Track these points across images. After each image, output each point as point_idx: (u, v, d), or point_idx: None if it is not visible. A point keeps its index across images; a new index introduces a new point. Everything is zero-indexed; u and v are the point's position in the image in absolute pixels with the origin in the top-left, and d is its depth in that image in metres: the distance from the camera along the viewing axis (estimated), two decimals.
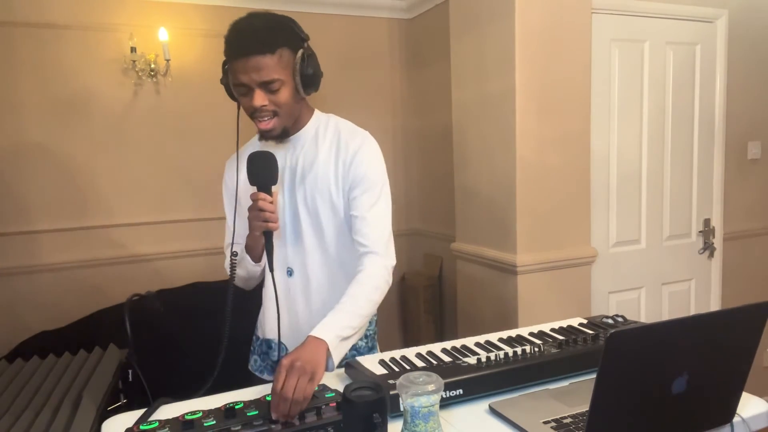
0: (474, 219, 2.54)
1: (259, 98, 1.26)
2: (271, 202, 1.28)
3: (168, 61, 2.95)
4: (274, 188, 1.30)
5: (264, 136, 1.35)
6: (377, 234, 1.35)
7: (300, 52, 1.29)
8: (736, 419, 1.05)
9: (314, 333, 1.15)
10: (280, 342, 1.39)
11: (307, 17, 3.31)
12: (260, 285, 1.52)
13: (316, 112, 1.45)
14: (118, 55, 2.96)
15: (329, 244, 1.40)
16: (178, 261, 3.10)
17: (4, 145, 2.82)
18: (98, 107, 2.95)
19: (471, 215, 2.56)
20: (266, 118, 1.29)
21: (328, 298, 1.39)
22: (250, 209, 1.29)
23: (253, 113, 1.29)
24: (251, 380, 1.47)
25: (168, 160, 3.08)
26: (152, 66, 2.97)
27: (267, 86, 1.26)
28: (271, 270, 1.31)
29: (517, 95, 2.18)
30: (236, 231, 1.43)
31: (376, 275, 1.31)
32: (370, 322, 1.51)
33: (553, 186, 2.29)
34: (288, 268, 1.43)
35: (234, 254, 1.35)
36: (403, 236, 3.77)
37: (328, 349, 1.14)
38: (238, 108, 1.35)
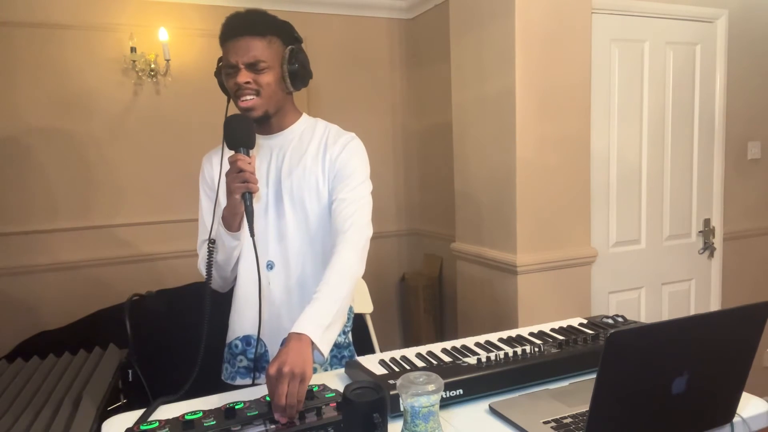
0: (474, 219, 2.54)
1: (244, 75, 1.31)
2: (250, 163, 1.29)
3: (168, 61, 2.95)
4: (252, 152, 1.32)
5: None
6: (352, 210, 1.35)
7: (291, 46, 1.36)
8: (736, 419, 1.05)
9: (294, 329, 1.13)
10: (260, 325, 1.37)
11: (307, 17, 3.31)
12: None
13: (304, 115, 1.49)
14: (118, 55, 2.96)
15: (313, 232, 1.41)
16: (178, 261, 3.10)
17: (4, 145, 2.82)
18: (98, 107, 2.96)
19: (471, 215, 2.56)
20: (248, 97, 1.33)
21: (309, 290, 1.38)
22: (228, 172, 1.30)
23: (237, 90, 1.33)
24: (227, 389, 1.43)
25: (168, 159, 3.08)
26: (152, 66, 2.97)
27: (253, 67, 1.31)
28: (252, 236, 1.31)
29: (517, 95, 2.18)
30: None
31: (348, 253, 1.28)
32: (348, 318, 1.51)
33: (553, 186, 2.29)
34: (268, 261, 1.42)
35: (211, 241, 1.35)
36: (403, 236, 3.77)
37: (313, 342, 1.12)
38: (228, 102, 1.41)
